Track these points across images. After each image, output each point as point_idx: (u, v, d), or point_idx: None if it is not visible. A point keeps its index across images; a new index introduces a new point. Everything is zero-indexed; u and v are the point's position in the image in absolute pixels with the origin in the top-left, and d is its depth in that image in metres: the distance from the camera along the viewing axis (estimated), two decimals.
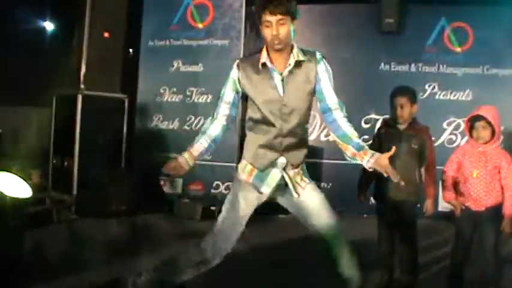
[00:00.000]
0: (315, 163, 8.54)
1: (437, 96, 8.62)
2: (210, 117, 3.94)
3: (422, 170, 4.81)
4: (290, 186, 3.76)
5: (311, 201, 3.82)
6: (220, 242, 3.80)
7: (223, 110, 3.87)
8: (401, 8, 8.66)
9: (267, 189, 3.77)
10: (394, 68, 8.82)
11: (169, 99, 8.91)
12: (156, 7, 9.05)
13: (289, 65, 3.65)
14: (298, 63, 3.67)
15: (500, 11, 8.44)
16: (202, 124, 8.40)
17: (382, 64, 8.86)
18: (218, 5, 8.76)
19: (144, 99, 9.03)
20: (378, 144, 4.92)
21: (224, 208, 3.86)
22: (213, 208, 7.81)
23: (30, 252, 4.98)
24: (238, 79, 3.77)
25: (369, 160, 3.62)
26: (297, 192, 3.79)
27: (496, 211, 4.52)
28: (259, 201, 3.82)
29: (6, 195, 4.19)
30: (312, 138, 8.52)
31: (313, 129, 8.69)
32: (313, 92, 3.73)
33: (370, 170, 3.65)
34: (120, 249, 5.96)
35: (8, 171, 4.38)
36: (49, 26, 11.21)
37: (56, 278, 4.80)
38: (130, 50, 9.82)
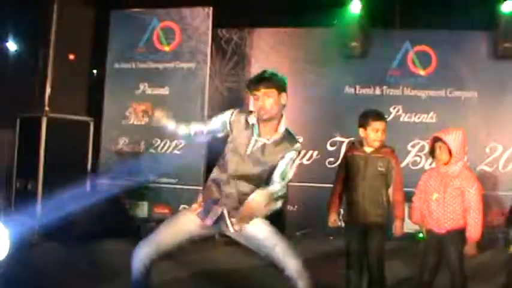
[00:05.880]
0: None
1: (401, 119, 8.73)
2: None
3: (390, 191, 4.85)
4: (227, 221, 4.03)
5: (256, 234, 4.02)
6: (151, 251, 4.05)
7: (200, 126, 4.21)
8: (365, 31, 8.78)
9: (210, 221, 4.04)
10: (359, 91, 8.92)
11: (135, 122, 8.85)
12: (122, 29, 9.02)
13: (269, 139, 3.99)
14: (276, 142, 3.99)
15: (462, 35, 8.63)
16: (168, 147, 8.58)
17: (347, 87, 8.95)
18: (185, 28, 8.76)
19: (110, 122, 8.96)
20: (346, 167, 4.96)
21: (165, 222, 4.21)
22: None
23: None
24: (230, 122, 4.07)
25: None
26: (233, 228, 4.04)
27: (458, 234, 4.58)
28: (202, 230, 4.12)
29: None
30: None
31: None
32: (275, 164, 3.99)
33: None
34: (83, 275, 5.87)
35: None
36: (13, 47, 11.10)
37: None
38: (95, 71, 9.77)
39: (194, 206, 4.15)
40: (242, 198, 3.93)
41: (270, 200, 3.90)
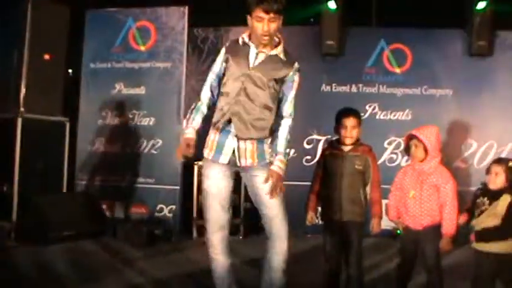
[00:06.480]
0: None
1: (377, 116, 8.79)
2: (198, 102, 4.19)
3: (368, 189, 4.88)
4: (236, 154, 4.03)
5: (256, 182, 4.08)
6: (214, 228, 4.09)
7: (211, 81, 4.17)
8: (341, 30, 8.82)
9: (225, 159, 4.05)
10: (335, 89, 8.96)
11: (111, 122, 8.81)
12: (97, 29, 8.96)
13: (270, 50, 4.00)
14: (276, 57, 4.04)
15: (436, 33, 8.71)
16: (145, 147, 8.54)
17: (324, 85, 8.98)
18: (160, 28, 8.73)
19: (86, 122, 8.90)
20: (323, 165, 4.98)
21: (202, 196, 4.22)
22: (156, 232, 7.72)
23: None
24: (226, 51, 4.11)
25: (273, 166, 4.03)
26: (240, 162, 4.05)
27: (434, 230, 4.63)
28: (228, 171, 4.12)
29: None
30: None
31: None
32: (277, 85, 4.03)
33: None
34: (60, 277, 5.83)
35: None
36: None
37: None
38: (70, 71, 9.69)
39: (206, 151, 4.14)
40: (249, 118, 3.98)
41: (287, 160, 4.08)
